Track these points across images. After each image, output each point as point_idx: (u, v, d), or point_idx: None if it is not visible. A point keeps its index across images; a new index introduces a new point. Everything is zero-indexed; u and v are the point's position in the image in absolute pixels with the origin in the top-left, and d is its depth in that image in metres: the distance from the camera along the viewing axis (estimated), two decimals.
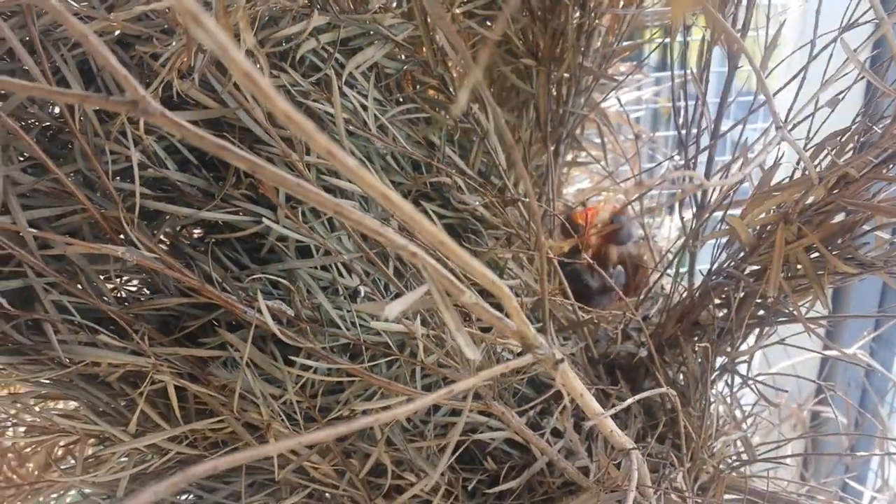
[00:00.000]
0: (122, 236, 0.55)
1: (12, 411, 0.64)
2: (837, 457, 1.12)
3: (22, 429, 0.68)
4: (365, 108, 0.62)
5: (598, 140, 0.89)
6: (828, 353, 0.83)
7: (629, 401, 0.53)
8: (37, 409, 0.59)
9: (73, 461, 0.71)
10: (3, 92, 0.52)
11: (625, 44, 0.78)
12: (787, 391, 0.75)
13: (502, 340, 0.60)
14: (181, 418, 0.59)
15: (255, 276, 0.57)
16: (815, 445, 1.12)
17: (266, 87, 0.26)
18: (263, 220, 0.53)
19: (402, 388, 0.58)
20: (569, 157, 0.90)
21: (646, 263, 0.88)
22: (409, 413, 0.33)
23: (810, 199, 0.61)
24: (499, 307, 0.38)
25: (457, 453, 0.65)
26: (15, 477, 0.74)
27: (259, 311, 0.54)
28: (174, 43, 0.50)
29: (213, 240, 0.58)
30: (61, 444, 0.67)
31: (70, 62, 0.50)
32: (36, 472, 0.73)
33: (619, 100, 0.82)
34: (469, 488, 0.67)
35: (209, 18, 0.24)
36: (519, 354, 0.64)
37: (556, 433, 0.70)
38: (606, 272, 0.87)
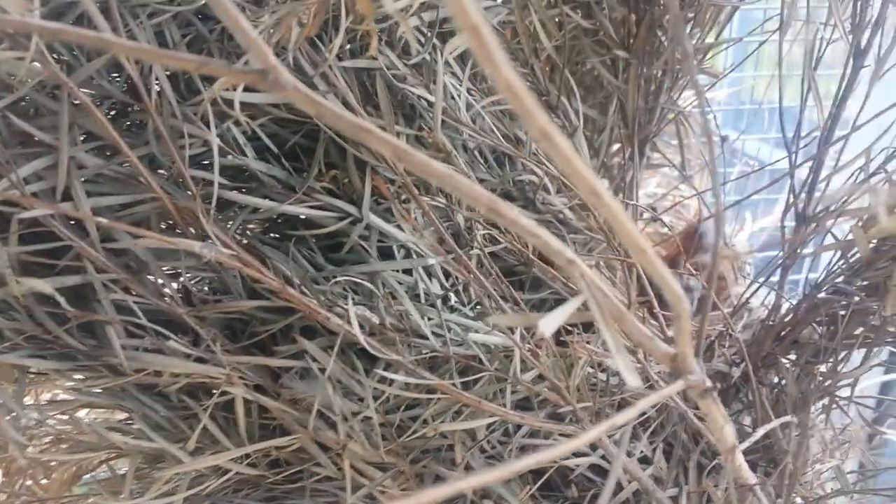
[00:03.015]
0: (192, 230, 0.49)
1: (49, 420, 0.58)
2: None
3: (47, 438, 0.62)
4: (456, 96, 0.56)
5: (672, 141, 0.84)
6: None
7: (759, 432, 0.47)
8: (85, 421, 0.53)
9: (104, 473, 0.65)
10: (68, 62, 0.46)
11: (716, 40, 0.72)
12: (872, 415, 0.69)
13: (603, 357, 0.55)
14: (245, 435, 0.53)
15: (336, 279, 0.51)
16: (876, 462, 1.07)
17: (493, 48, 0.21)
18: (364, 215, 0.47)
19: (495, 408, 0.52)
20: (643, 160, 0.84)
21: (724, 274, 0.83)
22: (565, 454, 0.27)
23: None
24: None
25: (541, 481, 0.60)
26: (39, 491, 0.67)
27: (345, 317, 0.48)
28: (267, 17, 0.44)
29: (293, 237, 0.52)
30: (100, 459, 0.61)
31: (149, 31, 0.44)
32: (56, 487, 0.67)
33: (707, 100, 0.76)
34: None
35: None
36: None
37: (643, 460, 0.64)
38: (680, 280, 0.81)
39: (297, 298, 0.47)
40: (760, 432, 0.47)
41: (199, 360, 0.50)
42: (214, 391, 0.50)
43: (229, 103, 0.45)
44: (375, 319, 0.50)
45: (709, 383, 0.37)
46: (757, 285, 0.70)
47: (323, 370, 0.49)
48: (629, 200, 0.72)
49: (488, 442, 0.59)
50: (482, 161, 0.61)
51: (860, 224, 0.60)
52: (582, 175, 0.24)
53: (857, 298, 0.61)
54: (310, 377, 0.52)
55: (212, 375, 0.48)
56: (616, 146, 0.79)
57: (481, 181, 0.61)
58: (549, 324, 0.27)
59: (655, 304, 0.69)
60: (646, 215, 0.74)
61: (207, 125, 0.47)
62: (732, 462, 0.43)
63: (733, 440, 0.44)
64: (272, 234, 0.57)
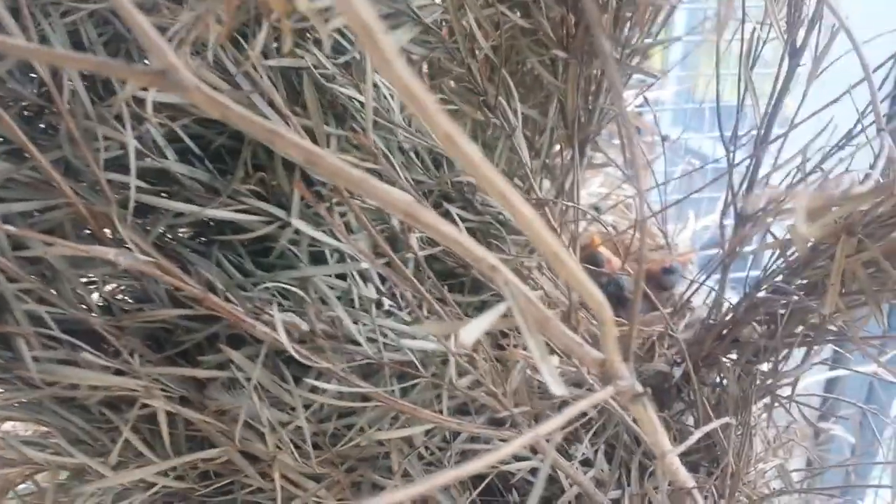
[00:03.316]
0: (110, 235, 0.47)
1: None
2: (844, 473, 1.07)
3: None
4: (389, 96, 0.55)
5: (614, 141, 0.84)
6: (859, 370, 0.78)
7: (696, 434, 0.46)
8: (0, 437, 0.50)
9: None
10: None
11: (654, 40, 0.72)
12: (847, 419, 0.70)
13: (534, 361, 0.54)
14: (170, 448, 0.51)
15: (264, 285, 0.50)
16: (822, 460, 1.08)
17: (388, 48, 0.20)
18: (291, 220, 0.45)
19: (431, 414, 0.51)
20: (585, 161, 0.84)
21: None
22: (499, 460, 0.26)
23: (880, 210, 0.56)
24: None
25: (481, 486, 0.59)
26: None
27: (271, 324, 0.47)
28: (185, 14, 0.42)
29: (217, 242, 0.50)
30: (24, 473, 0.58)
31: (61, 30, 0.42)
32: None
33: (646, 99, 0.75)
34: None
35: None
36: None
37: (584, 462, 0.63)
38: (604, 276, 0.81)
39: (220, 306, 0.46)
40: (697, 435, 0.46)
41: (120, 372, 0.48)
42: (138, 403, 0.48)
43: (144, 104, 0.43)
44: (305, 326, 0.49)
45: (639, 389, 0.36)
46: (698, 284, 0.70)
47: (249, 380, 0.47)
48: (570, 202, 0.71)
49: (427, 448, 0.58)
50: (419, 163, 0.60)
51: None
52: (491, 180, 0.23)
53: (795, 297, 0.61)
54: (237, 387, 0.50)
55: (130, 388, 0.46)
56: (558, 147, 0.78)
57: (419, 183, 0.60)
58: (470, 333, 0.26)
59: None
60: (588, 216, 0.74)
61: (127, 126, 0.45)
62: (663, 465, 0.42)
63: (667, 445, 0.43)
64: (201, 240, 0.55)
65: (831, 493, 0.81)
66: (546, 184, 0.77)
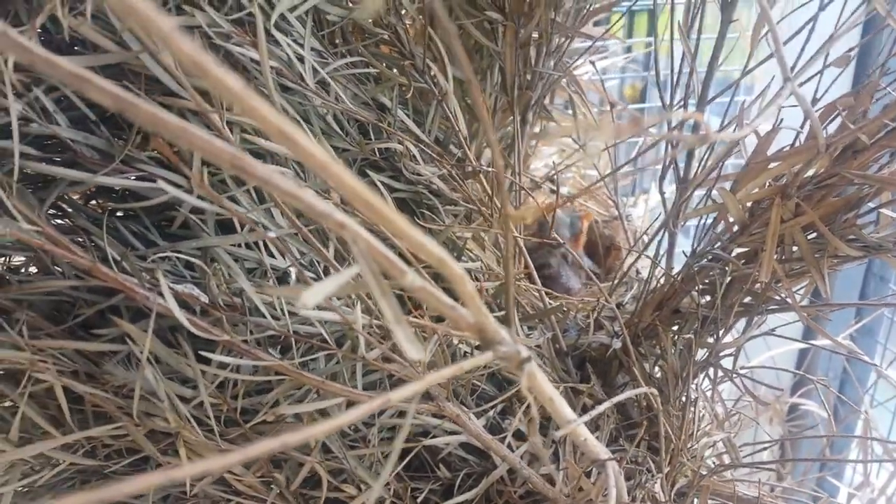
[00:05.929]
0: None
1: None
2: (816, 452, 1.05)
3: None
4: (301, 58, 0.53)
5: (567, 111, 0.81)
6: (816, 343, 0.76)
7: (605, 405, 0.45)
8: None
9: None
10: None
11: (599, 4, 0.69)
12: (781, 389, 0.68)
13: (457, 333, 0.52)
14: (76, 423, 0.50)
15: (162, 255, 0.48)
16: (793, 440, 1.06)
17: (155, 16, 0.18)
18: (164, 186, 0.43)
19: (339, 388, 0.49)
20: (536, 129, 0.82)
21: (619, 244, 0.80)
22: (347, 424, 0.24)
23: (811, 172, 0.53)
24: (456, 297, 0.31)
25: (405, 461, 0.57)
26: None
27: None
28: None
29: (111, 210, 0.48)
30: None
31: None
32: None
33: (593, 64, 0.73)
34: (419, 499, 0.59)
35: None
36: (477, 349, 0.55)
37: (519, 435, 0.61)
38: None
39: (108, 276, 0.44)
40: (606, 404, 0.45)
41: (16, 346, 0.46)
42: (27, 376, 0.47)
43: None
44: (205, 298, 0.47)
45: (525, 354, 0.34)
46: (641, 254, 0.68)
47: (149, 355, 0.46)
48: (514, 170, 0.69)
49: (351, 425, 0.56)
50: (340, 130, 0.58)
51: (730, 188, 0.58)
52: (294, 139, 0.22)
53: (730, 265, 0.59)
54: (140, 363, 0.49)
55: (17, 361, 0.44)
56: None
57: (341, 151, 0.58)
58: (311, 296, 0.24)
59: (535, 275, 0.66)
60: (525, 183, 0.71)
61: (16, 92, 0.44)
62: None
63: (568, 414, 0.41)
64: (109, 211, 0.54)
65: (779, 464, 0.79)
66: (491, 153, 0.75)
